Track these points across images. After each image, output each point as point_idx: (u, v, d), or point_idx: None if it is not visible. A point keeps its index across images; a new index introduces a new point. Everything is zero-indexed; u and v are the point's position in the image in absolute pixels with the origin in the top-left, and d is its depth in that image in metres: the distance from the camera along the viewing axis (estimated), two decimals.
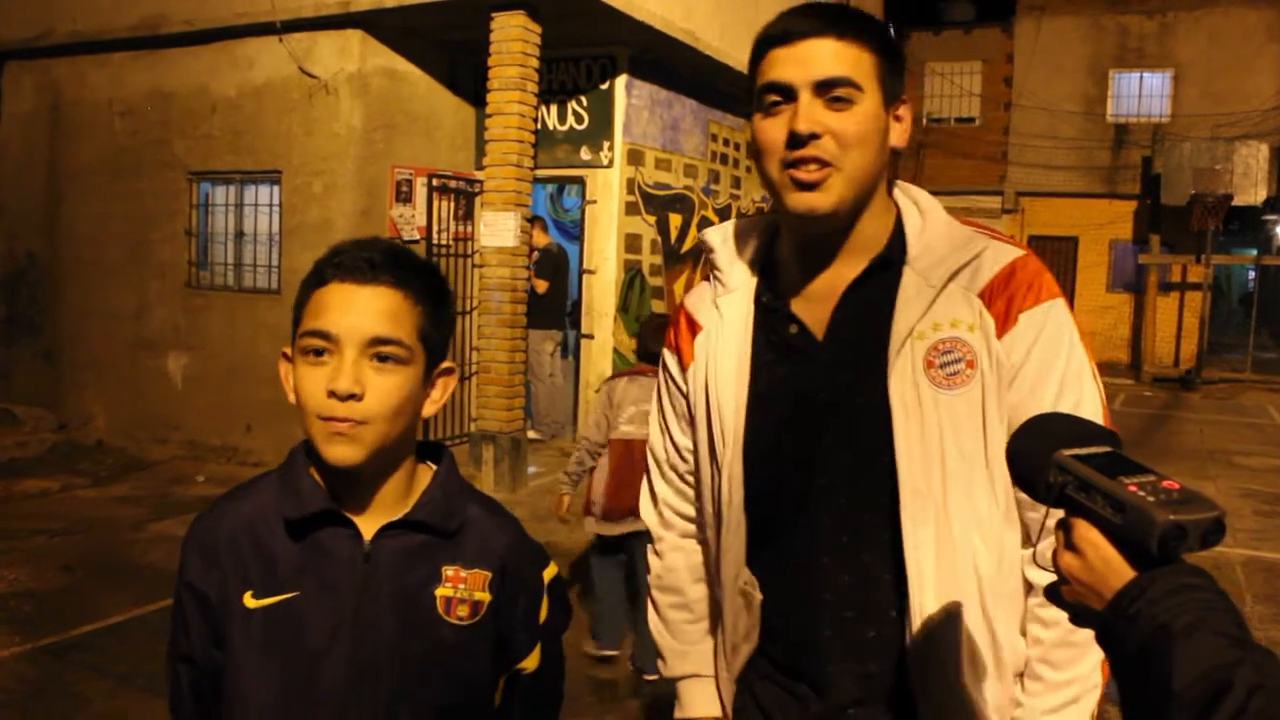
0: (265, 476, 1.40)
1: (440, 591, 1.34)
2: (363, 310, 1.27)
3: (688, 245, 10.39)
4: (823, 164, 1.38)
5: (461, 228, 9.16)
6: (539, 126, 8.12)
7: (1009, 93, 21.26)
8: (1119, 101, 20.75)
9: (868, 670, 1.47)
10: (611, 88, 9.06)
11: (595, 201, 9.22)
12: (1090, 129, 20.65)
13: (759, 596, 1.54)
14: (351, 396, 1.24)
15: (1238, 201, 17.81)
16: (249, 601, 1.30)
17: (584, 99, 9.16)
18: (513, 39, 7.60)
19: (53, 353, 9.99)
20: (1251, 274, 20.45)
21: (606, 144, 9.09)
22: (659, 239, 9.85)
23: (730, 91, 10.76)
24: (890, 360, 1.42)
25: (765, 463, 1.51)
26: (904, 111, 1.48)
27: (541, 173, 8.77)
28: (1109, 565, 0.96)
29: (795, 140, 1.38)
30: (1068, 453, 1.01)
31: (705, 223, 10.68)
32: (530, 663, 1.45)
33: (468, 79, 9.12)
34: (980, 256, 1.44)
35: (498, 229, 7.79)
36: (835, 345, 1.48)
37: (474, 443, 8.00)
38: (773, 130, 1.42)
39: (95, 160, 9.58)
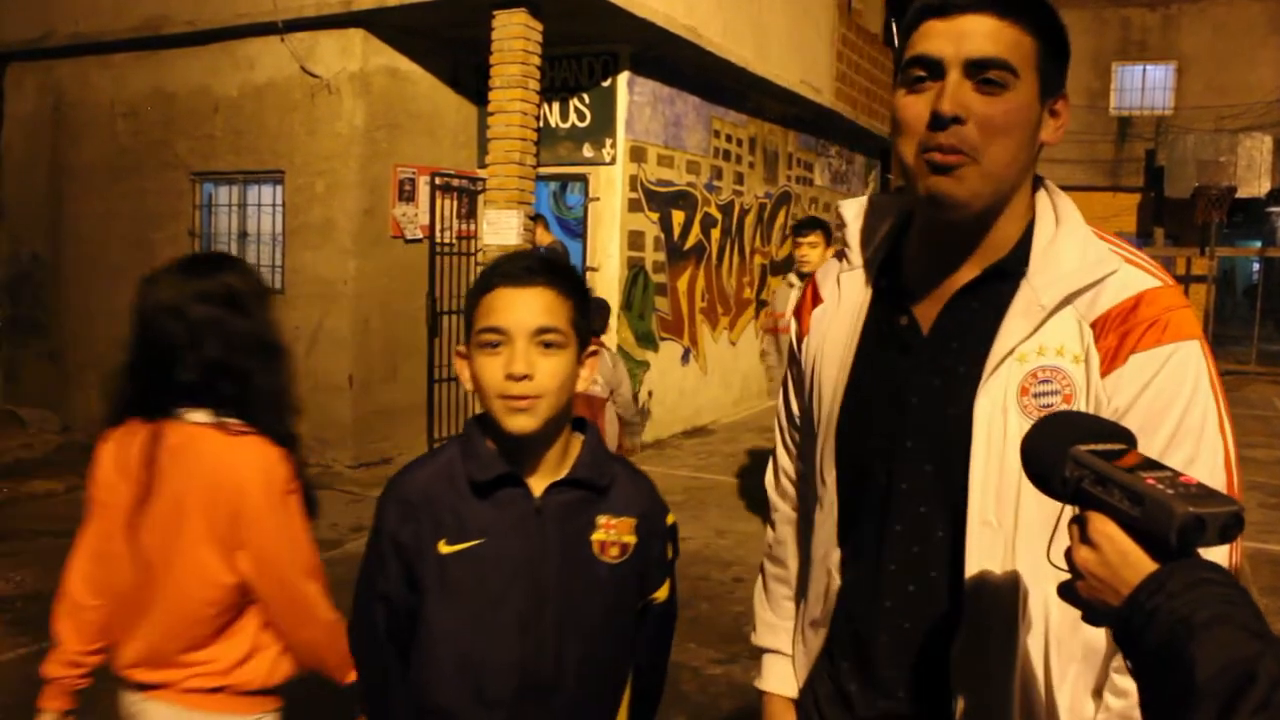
0: (446, 446, 1.70)
1: (596, 536, 1.65)
2: (527, 307, 1.56)
3: (690, 242, 10.39)
4: (962, 152, 1.28)
5: (464, 226, 9.15)
6: (541, 124, 8.12)
7: None
8: (1122, 94, 20.72)
9: (915, 685, 1.42)
10: (614, 85, 9.05)
11: (598, 199, 9.21)
12: (1093, 122, 20.62)
13: (839, 581, 1.50)
14: (525, 377, 1.53)
15: (1242, 194, 17.79)
16: (443, 548, 1.59)
17: (586, 96, 9.15)
18: (514, 37, 7.59)
19: (57, 354, 9.99)
20: (1256, 266, 20.39)
21: (609, 141, 9.08)
22: (662, 236, 9.84)
23: (733, 88, 10.75)
24: (984, 378, 1.33)
25: (854, 452, 1.47)
26: (1061, 106, 1.37)
27: (544, 170, 8.77)
28: (1125, 559, 0.95)
29: (937, 121, 1.28)
30: (1084, 448, 1.00)
31: (708, 219, 10.67)
32: (662, 593, 1.77)
33: (470, 77, 9.11)
34: (1105, 281, 1.31)
35: (500, 227, 7.79)
36: (937, 348, 1.40)
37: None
38: (915, 108, 1.31)
39: (98, 161, 9.58)
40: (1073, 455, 1.00)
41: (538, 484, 1.62)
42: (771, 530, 1.76)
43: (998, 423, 1.32)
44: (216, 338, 2.00)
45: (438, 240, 8.85)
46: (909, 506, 1.41)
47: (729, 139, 11.00)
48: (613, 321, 9.26)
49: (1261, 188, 17.89)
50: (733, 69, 10.05)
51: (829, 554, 1.52)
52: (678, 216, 10.08)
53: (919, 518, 1.40)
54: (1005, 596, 1.32)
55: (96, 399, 9.61)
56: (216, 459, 1.96)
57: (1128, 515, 0.94)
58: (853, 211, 1.56)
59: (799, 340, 1.62)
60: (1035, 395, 1.31)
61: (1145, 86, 20.60)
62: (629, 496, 1.70)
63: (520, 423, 1.55)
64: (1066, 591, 1.03)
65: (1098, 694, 1.33)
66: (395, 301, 8.59)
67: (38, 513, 7.11)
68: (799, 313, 1.64)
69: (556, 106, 9.20)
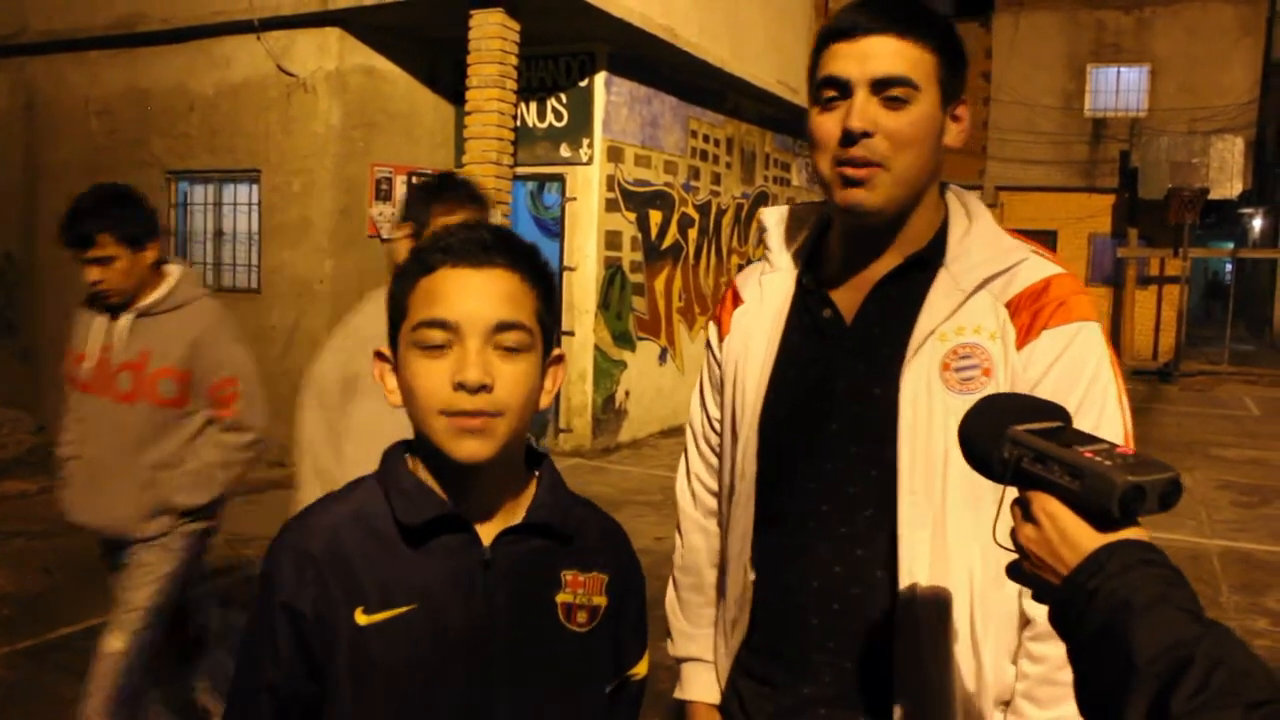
0: (357, 484, 1.29)
1: (561, 598, 1.28)
2: (483, 295, 1.18)
3: (668, 242, 10.40)
4: (874, 162, 1.38)
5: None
6: (518, 124, 8.12)
7: (987, 88, 21.35)
8: (1096, 96, 20.87)
9: (844, 666, 1.46)
10: (591, 85, 9.05)
11: (575, 199, 9.21)
12: (1068, 123, 20.77)
13: (753, 575, 1.54)
14: (482, 388, 1.15)
15: (1214, 195, 17.97)
16: (360, 619, 1.18)
17: (563, 96, 9.15)
18: (491, 36, 7.59)
19: (30, 353, 9.91)
20: (1228, 267, 20.56)
21: (586, 141, 9.09)
22: (639, 236, 9.85)
23: (710, 88, 10.77)
24: (908, 357, 1.42)
25: (778, 442, 1.52)
26: (962, 111, 1.47)
27: (521, 170, 8.77)
28: (1064, 537, 0.96)
29: (848, 137, 1.38)
30: (1020, 427, 1.01)
31: (685, 219, 10.70)
32: (642, 668, 1.42)
33: (447, 77, 9.10)
34: (1016, 268, 1.43)
35: None
36: (860, 333, 1.48)
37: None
38: (827, 125, 1.41)
39: (73, 159, 9.51)
40: (1010, 436, 1.01)
41: (486, 530, 1.24)
42: (681, 538, 1.78)
43: (923, 398, 1.40)
44: None
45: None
46: (835, 488, 1.46)
47: (706, 139, 11.02)
48: (589, 321, 9.28)
49: (1234, 189, 18.06)
50: (710, 69, 10.07)
51: (744, 550, 1.56)
52: (655, 216, 10.09)
53: (847, 499, 1.46)
54: (938, 564, 1.39)
55: None
56: None
57: (1068, 490, 0.95)
58: (774, 218, 1.65)
59: (719, 341, 1.65)
60: (956, 370, 1.40)
61: (1119, 88, 20.76)
62: (598, 546, 1.34)
63: (471, 448, 1.17)
64: (1014, 571, 1.05)
65: (1014, 661, 1.41)
66: None
67: (10, 513, 7.06)
68: (718, 315, 1.68)
69: (534, 106, 9.20)
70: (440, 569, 1.21)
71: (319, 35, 8.23)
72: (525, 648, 1.24)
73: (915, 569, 1.40)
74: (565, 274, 9.34)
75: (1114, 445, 0.98)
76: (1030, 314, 1.39)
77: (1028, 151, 20.80)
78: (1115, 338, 20.01)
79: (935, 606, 1.40)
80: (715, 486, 1.72)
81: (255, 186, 8.68)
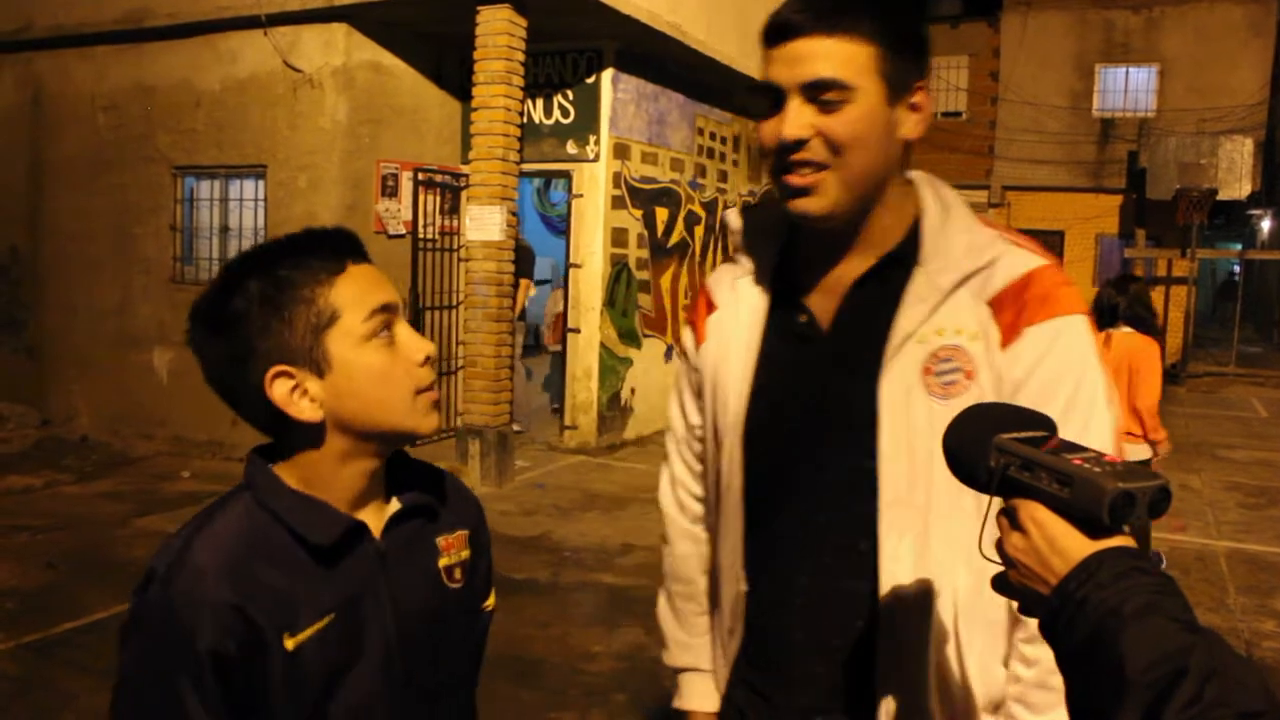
0: (221, 510, 1.26)
1: (442, 563, 1.38)
2: (386, 279, 1.31)
3: (674, 239, 10.39)
4: (816, 166, 1.33)
5: (447, 222, 9.13)
6: (525, 120, 8.10)
7: (995, 87, 21.30)
8: (1105, 96, 20.81)
9: (833, 677, 1.44)
10: (598, 81, 9.04)
11: (581, 195, 9.20)
12: (1076, 123, 20.72)
13: (746, 586, 1.52)
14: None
15: (1222, 196, 17.90)
16: (289, 643, 1.20)
17: (570, 93, 9.14)
18: (498, 32, 7.57)
19: (36, 348, 9.93)
20: (1236, 268, 20.50)
21: (593, 138, 9.07)
22: (645, 233, 9.84)
23: (717, 85, 10.75)
24: (885, 362, 1.37)
25: (763, 451, 1.49)
26: (920, 99, 1.38)
27: (528, 167, 8.75)
28: (1053, 545, 0.94)
29: (784, 147, 1.33)
30: (1006, 436, 1.00)
31: (692, 217, 10.69)
32: (491, 600, 1.54)
33: (454, 73, 9.09)
34: (995, 263, 1.37)
35: (484, 223, 7.77)
36: (838, 340, 1.44)
37: (460, 437, 7.99)
38: (768, 132, 1.37)
39: (78, 154, 9.52)
40: (996, 444, 1.00)
41: (373, 521, 1.30)
42: (670, 547, 1.75)
43: (902, 403, 1.36)
44: None
45: (420, 236, 8.82)
46: (819, 498, 1.43)
47: (713, 136, 11.00)
48: (595, 318, 9.26)
49: (1242, 190, 18.00)
50: (717, 66, 10.05)
51: (736, 560, 1.53)
52: (661, 214, 10.07)
53: (832, 507, 1.43)
54: (921, 573, 1.37)
55: (75, 394, 9.59)
56: None
57: (1057, 498, 0.94)
58: (740, 220, 1.59)
59: (697, 347, 1.61)
60: (938, 374, 1.35)
61: (1128, 88, 20.70)
62: (456, 507, 1.43)
63: (437, 420, 1.28)
64: (1000, 583, 1.03)
65: (1005, 663, 1.38)
66: None
67: (15, 508, 7.06)
68: (693, 321, 1.63)
69: (540, 103, 9.19)
70: (347, 574, 1.26)
71: (325, 31, 8.22)
72: (424, 617, 1.34)
73: (897, 577, 1.37)
74: (571, 271, 9.33)
75: (1101, 454, 0.97)
76: (1014, 312, 1.34)
77: (1035, 151, 20.76)
78: None
79: (916, 614, 1.38)
80: (700, 492, 1.69)
81: (261, 182, 8.68)
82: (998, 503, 1.02)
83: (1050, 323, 1.33)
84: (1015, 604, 1.34)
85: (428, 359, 1.26)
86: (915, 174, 1.48)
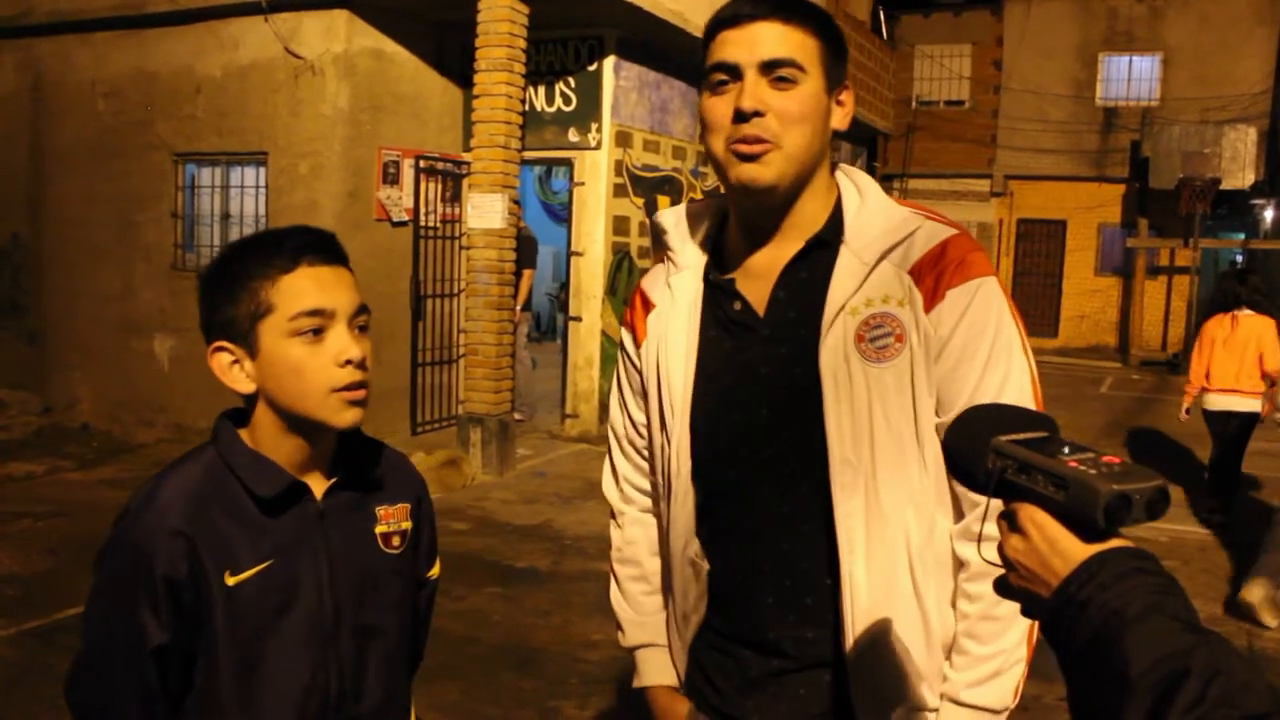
0: (191, 459, 1.47)
1: (379, 529, 1.55)
2: (342, 286, 1.43)
3: None
4: (764, 141, 1.44)
5: (449, 209, 9.12)
6: (527, 108, 8.08)
7: (998, 76, 21.23)
8: (1108, 85, 20.74)
9: (805, 635, 1.53)
10: (600, 69, 9.02)
11: (583, 183, 9.18)
12: (1079, 112, 20.65)
13: (706, 566, 1.60)
14: (363, 361, 1.41)
15: (1226, 185, 17.83)
16: (229, 580, 1.40)
17: (572, 80, 9.12)
18: (500, 19, 7.55)
19: (38, 335, 9.93)
20: (1239, 258, 20.47)
21: (594, 126, 9.05)
22: (647, 221, 9.82)
23: None
24: (822, 335, 1.48)
25: (711, 435, 1.57)
26: (845, 97, 1.55)
27: (529, 154, 8.73)
28: (1053, 547, 0.94)
29: (740, 116, 1.44)
30: (1004, 438, 1.00)
31: None
32: (435, 570, 1.72)
33: (455, 60, 9.07)
34: (913, 236, 1.49)
35: (485, 211, 7.76)
36: (774, 321, 1.54)
37: (461, 425, 7.99)
38: (720, 107, 1.48)
39: (79, 141, 9.50)
40: (994, 446, 1.00)
41: (316, 486, 1.49)
42: (619, 532, 1.84)
43: (841, 371, 1.47)
44: None
45: (422, 223, 8.81)
46: (773, 471, 1.53)
47: None
48: (596, 306, 9.26)
49: (1246, 180, 17.93)
50: None
51: (689, 543, 1.62)
52: (663, 202, 10.06)
53: (785, 479, 1.53)
54: (874, 527, 1.47)
55: (77, 381, 9.59)
56: None
57: (1053, 500, 0.94)
58: (671, 219, 1.70)
59: (637, 347, 1.70)
60: (870, 340, 1.47)
61: (1131, 77, 20.62)
62: (400, 481, 1.62)
63: (354, 415, 1.42)
64: (1001, 586, 1.03)
65: (954, 605, 1.51)
66: (378, 284, 8.55)
67: (16, 495, 7.07)
68: (629, 321, 1.74)
69: (542, 90, 9.16)
70: (288, 527, 1.45)
71: (327, 17, 8.19)
72: (357, 574, 1.50)
73: (853, 535, 1.47)
74: (573, 259, 9.32)
75: (1100, 454, 0.96)
76: (934, 277, 1.46)
77: (1038, 140, 20.70)
78: (1124, 328, 19.95)
79: (876, 568, 1.47)
80: (644, 484, 1.78)
81: (262, 169, 8.66)
82: (996, 505, 1.02)
83: (967, 285, 1.46)
84: (955, 547, 1.48)
85: (348, 362, 1.39)
86: (837, 164, 1.63)
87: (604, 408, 9.38)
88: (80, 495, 7.11)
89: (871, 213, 1.53)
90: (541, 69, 9.06)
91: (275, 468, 1.44)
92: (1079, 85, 20.75)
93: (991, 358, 1.45)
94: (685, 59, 9.99)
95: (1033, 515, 0.96)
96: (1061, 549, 0.93)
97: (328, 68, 8.21)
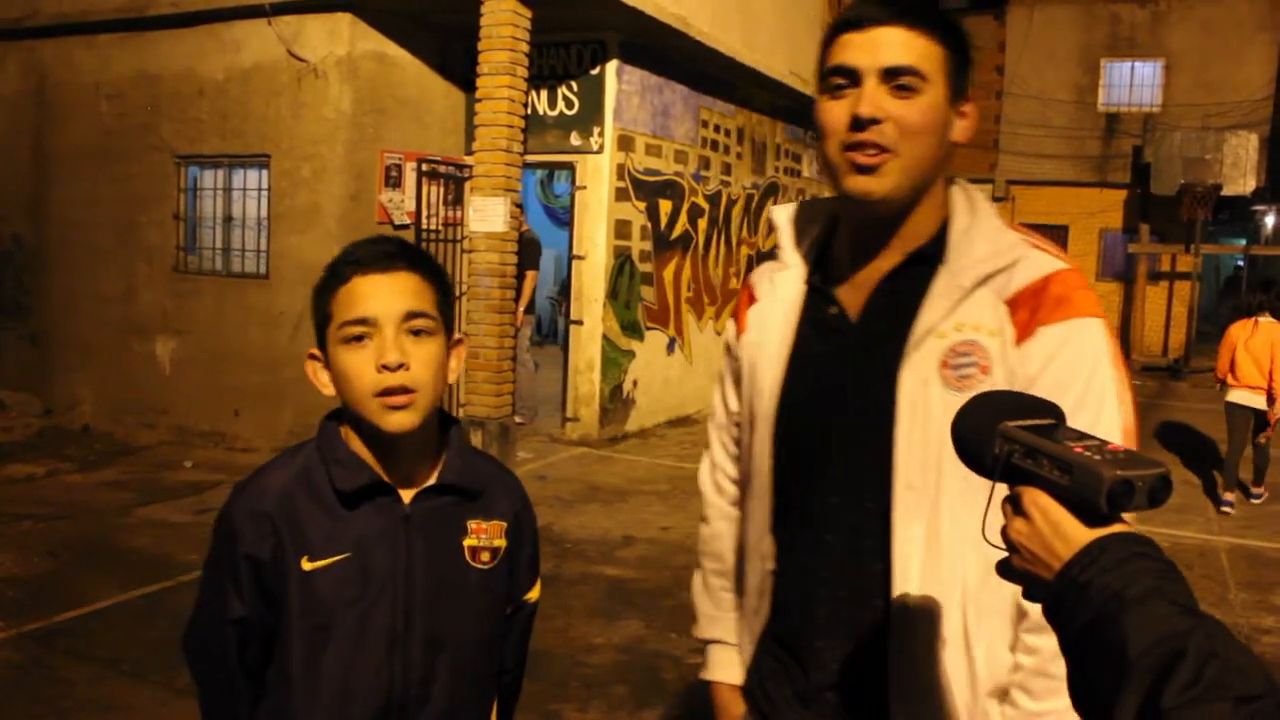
0: (299, 450, 1.57)
1: (467, 542, 1.58)
2: (393, 293, 1.46)
3: (677, 232, 10.38)
4: (881, 149, 1.40)
5: (451, 213, 9.13)
6: (529, 112, 8.09)
7: (1000, 81, 21.23)
8: (1110, 90, 20.74)
9: (851, 654, 1.51)
10: (602, 73, 9.02)
11: (585, 187, 9.19)
12: (1081, 118, 20.66)
13: (772, 565, 1.60)
14: (401, 366, 1.43)
15: (1227, 191, 17.84)
16: (305, 565, 1.48)
17: (574, 84, 9.12)
18: (503, 23, 7.56)
19: (39, 337, 9.93)
20: (1240, 264, 20.47)
21: (597, 130, 9.06)
22: (649, 225, 9.83)
23: (721, 78, 10.73)
24: (906, 353, 1.45)
25: (792, 436, 1.57)
26: (969, 109, 1.49)
27: (531, 158, 8.74)
28: (1057, 530, 0.95)
29: (857, 123, 1.40)
30: (1012, 423, 1.02)
31: (695, 209, 10.68)
32: (534, 593, 1.74)
33: (458, 63, 9.08)
34: (1016, 265, 1.44)
35: (487, 214, 7.77)
36: (864, 331, 1.52)
37: (462, 428, 7.98)
38: (836, 112, 1.43)
39: (82, 143, 9.51)
40: (1001, 431, 1.01)
41: (406, 490, 1.54)
42: (707, 525, 1.85)
43: (920, 394, 1.43)
44: None
45: (424, 227, 8.81)
46: (843, 482, 1.51)
47: (717, 129, 10.98)
48: (598, 310, 9.26)
49: (1247, 185, 17.94)
50: (721, 59, 10.03)
51: (762, 540, 1.62)
52: (665, 206, 10.06)
53: (853, 492, 1.50)
54: (931, 557, 1.44)
55: (78, 382, 9.60)
56: None
57: (1058, 485, 0.95)
58: (784, 216, 1.69)
59: (737, 338, 1.71)
60: (954, 368, 1.43)
61: (1133, 83, 20.62)
62: (499, 498, 1.64)
63: (400, 420, 1.45)
64: (1004, 568, 1.04)
65: (1011, 649, 1.45)
66: None
67: (17, 496, 7.07)
68: (736, 313, 1.73)
69: (545, 94, 9.17)
70: (370, 524, 1.51)
71: (330, 20, 8.20)
72: (437, 585, 1.54)
73: (909, 562, 1.44)
74: (574, 263, 9.32)
75: (1105, 442, 0.97)
76: (1029, 311, 1.41)
77: (1040, 146, 20.70)
78: (1125, 334, 19.94)
79: (927, 600, 1.44)
80: (736, 476, 1.78)
81: (265, 172, 8.67)
82: (1002, 489, 1.04)
83: (1065, 324, 1.40)
84: (1020, 593, 1.40)
85: (383, 367, 1.43)
86: (954, 179, 1.57)
87: (604, 411, 9.40)
88: (81, 497, 7.12)
89: (978, 234, 1.48)
90: (544, 73, 9.07)
91: (361, 464, 1.51)
92: (1081, 91, 20.75)
93: (1079, 404, 1.37)
94: (688, 63, 10.00)
95: (1037, 499, 0.97)
96: (1064, 532, 0.95)
97: (330, 71, 8.22)
